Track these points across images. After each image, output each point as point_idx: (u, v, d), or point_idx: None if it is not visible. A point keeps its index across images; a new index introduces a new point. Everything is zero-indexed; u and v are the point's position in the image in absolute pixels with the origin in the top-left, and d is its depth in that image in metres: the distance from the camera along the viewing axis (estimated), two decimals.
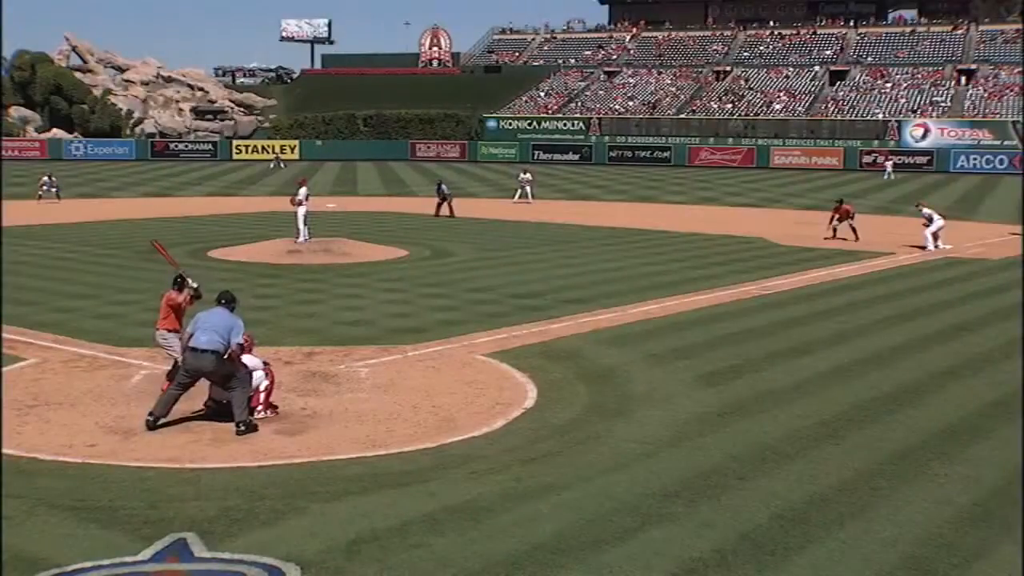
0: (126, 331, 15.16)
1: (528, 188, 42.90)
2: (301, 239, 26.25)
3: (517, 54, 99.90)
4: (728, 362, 13.50)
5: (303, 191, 27.10)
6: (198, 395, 10.82)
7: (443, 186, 37.06)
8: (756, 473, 9.13)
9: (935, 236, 26.93)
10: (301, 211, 26.69)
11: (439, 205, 36.36)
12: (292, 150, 76.01)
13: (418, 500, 8.36)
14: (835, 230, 29.04)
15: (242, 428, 10.15)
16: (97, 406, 11.14)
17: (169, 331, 11.60)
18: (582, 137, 78.07)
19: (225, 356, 10.34)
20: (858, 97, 77.87)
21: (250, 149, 76.99)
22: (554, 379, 12.48)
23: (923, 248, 26.64)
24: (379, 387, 12.09)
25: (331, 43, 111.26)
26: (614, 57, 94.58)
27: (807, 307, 18.00)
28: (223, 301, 10.80)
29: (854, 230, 28.53)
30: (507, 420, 10.72)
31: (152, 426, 10.26)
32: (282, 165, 67.48)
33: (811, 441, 10.11)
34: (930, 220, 27.13)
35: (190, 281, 11.85)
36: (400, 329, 15.64)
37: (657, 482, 8.85)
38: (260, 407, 10.81)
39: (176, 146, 78.61)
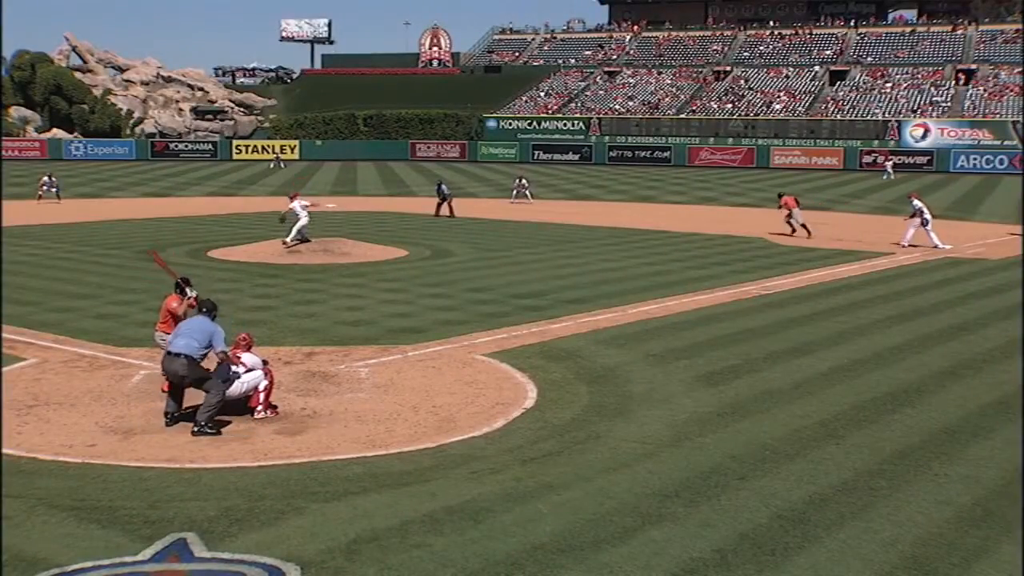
0: (126, 331, 15.17)
1: (526, 191, 42.94)
2: (290, 239, 25.73)
3: (517, 54, 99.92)
4: (728, 362, 13.50)
5: (295, 204, 26.25)
6: (198, 395, 10.81)
7: (443, 186, 37.06)
8: (756, 473, 9.13)
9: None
10: (303, 217, 26.14)
11: (439, 205, 36.38)
12: (292, 150, 76.06)
13: (418, 500, 8.36)
14: (799, 225, 29.85)
15: (195, 429, 10.11)
16: (97, 406, 11.14)
17: (167, 334, 11.65)
18: (582, 137, 78.12)
19: (199, 360, 10.40)
20: (858, 97, 77.88)
21: (250, 149, 77.04)
22: (554, 379, 12.48)
23: (934, 247, 26.60)
24: (379, 387, 12.09)
25: (331, 43, 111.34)
26: (614, 57, 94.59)
27: (807, 307, 18.00)
28: (204, 310, 10.94)
29: (790, 224, 29.89)
30: (507, 420, 10.72)
31: (171, 423, 10.44)
32: (282, 165, 67.56)
33: (811, 441, 10.11)
34: (919, 214, 27.17)
35: (189, 291, 11.87)
36: (400, 329, 15.64)
37: (657, 482, 8.85)
38: (260, 407, 10.82)
39: (176, 146, 78.65)
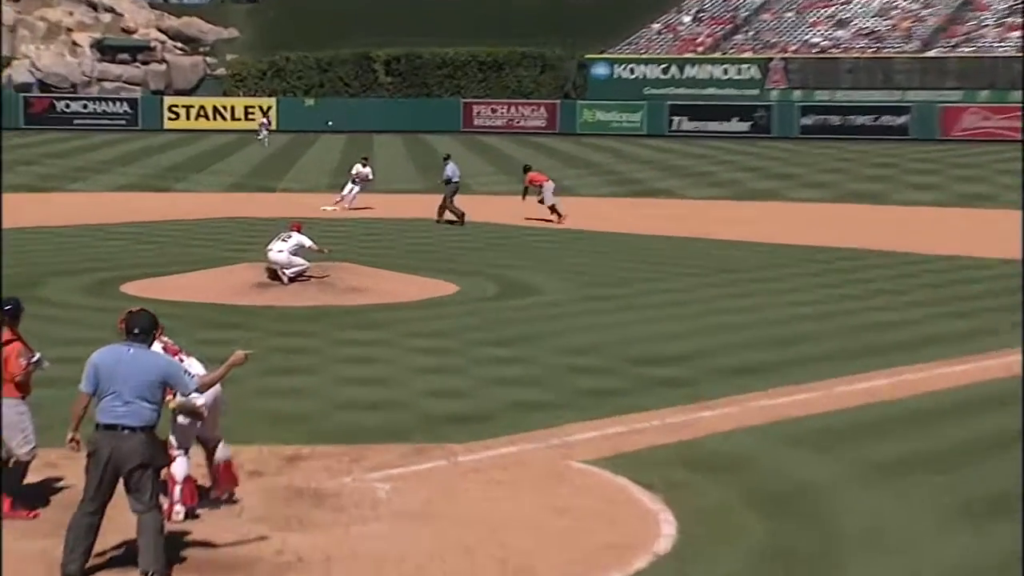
0: None
1: (354, 187, 41.86)
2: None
3: None
4: (1007, 482, 13.35)
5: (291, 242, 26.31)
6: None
7: (449, 164, 37.51)
8: None
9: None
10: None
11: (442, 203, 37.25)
12: (265, 113, 76.67)
13: None
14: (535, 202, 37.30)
15: None
16: None
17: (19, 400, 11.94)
18: (755, 92, 78.05)
19: (153, 428, 10.11)
20: None
21: (193, 113, 78.37)
22: (707, 505, 12.50)
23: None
24: (409, 515, 12.20)
25: None
26: None
27: None
28: (136, 331, 10.37)
29: (555, 210, 36.86)
30: None
31: None
32: (265, 137, 68.18)
33: None
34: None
35: (27, 353, 12.08)
36: (446, 416, 15.81)
37: None
38: (177, 504, 11.47)
39: (68, 106, 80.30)
